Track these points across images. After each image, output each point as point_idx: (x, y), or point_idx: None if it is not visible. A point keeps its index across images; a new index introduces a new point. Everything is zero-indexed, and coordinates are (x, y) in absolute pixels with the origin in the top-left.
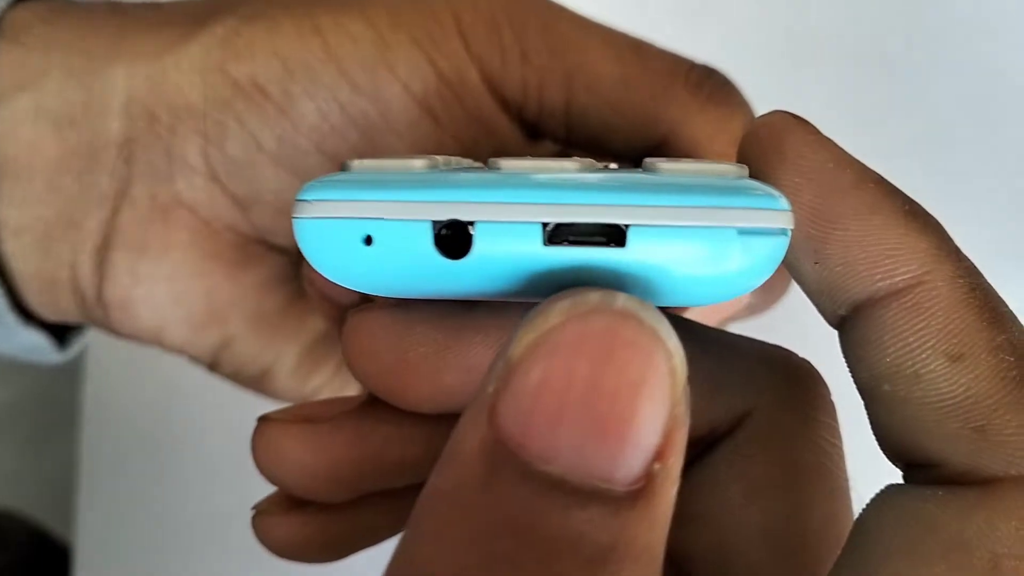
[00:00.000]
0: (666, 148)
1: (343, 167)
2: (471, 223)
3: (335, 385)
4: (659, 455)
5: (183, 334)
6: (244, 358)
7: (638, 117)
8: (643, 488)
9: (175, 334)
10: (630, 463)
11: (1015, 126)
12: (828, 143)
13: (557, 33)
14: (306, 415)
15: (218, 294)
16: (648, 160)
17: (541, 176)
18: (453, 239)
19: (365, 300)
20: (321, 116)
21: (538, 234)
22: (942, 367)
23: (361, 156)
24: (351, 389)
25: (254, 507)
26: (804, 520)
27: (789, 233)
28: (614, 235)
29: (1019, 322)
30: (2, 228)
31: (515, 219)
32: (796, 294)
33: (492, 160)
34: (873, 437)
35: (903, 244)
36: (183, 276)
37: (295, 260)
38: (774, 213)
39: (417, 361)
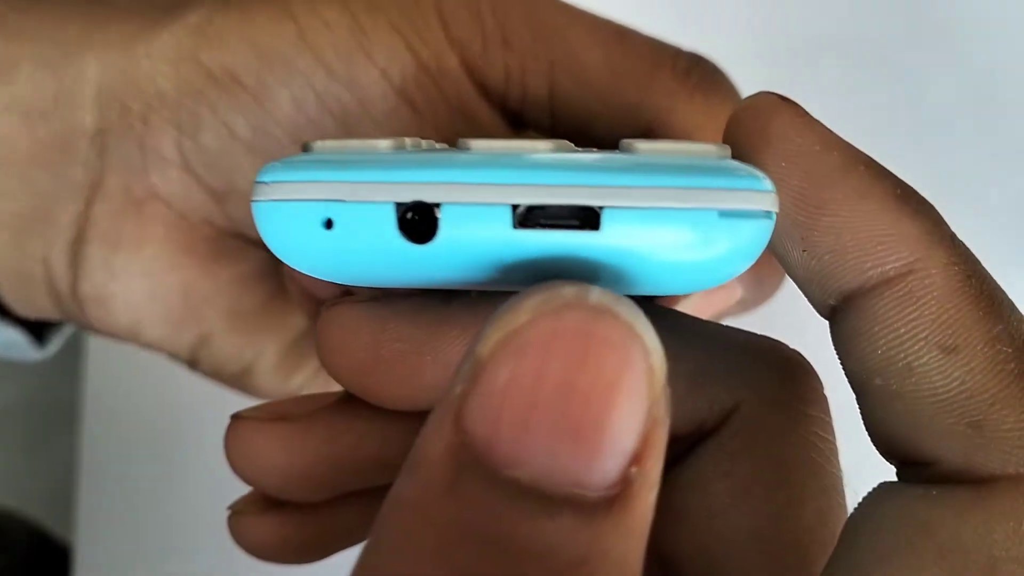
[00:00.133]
0: (653, 137)
1: (305, 148)
2: (437, 205)
3: (319, 383)
4: (636, 458)
5: (160, 330)
6: (224, 355)
7: (624, 105)
8: (619, 494)
9: (152, 330)
10: (605, 467)
11: (1015, 126)
12: (816, 125)
13: (540, 19)
14: (280, 413)
15: (195, 289)
16: (625, 141)
17: (511, 156)
18: (418, 222)
19: (346, 295)
20: (296, 105)
21: (507, 217)
22: (935, 359)
23: None
24: (335, 387)
25: (229, 507)
26: (795, 520)
27: (774, 216)
28: (588, 218)
29: (1018, 311)
30: None
31: (483, 201)
32: (789, 282)
33: (462, 140)
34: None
35: (894, 230)
36: (158, 271)
37: (274, 255)
38: (757, 194)
39: (392, 357)
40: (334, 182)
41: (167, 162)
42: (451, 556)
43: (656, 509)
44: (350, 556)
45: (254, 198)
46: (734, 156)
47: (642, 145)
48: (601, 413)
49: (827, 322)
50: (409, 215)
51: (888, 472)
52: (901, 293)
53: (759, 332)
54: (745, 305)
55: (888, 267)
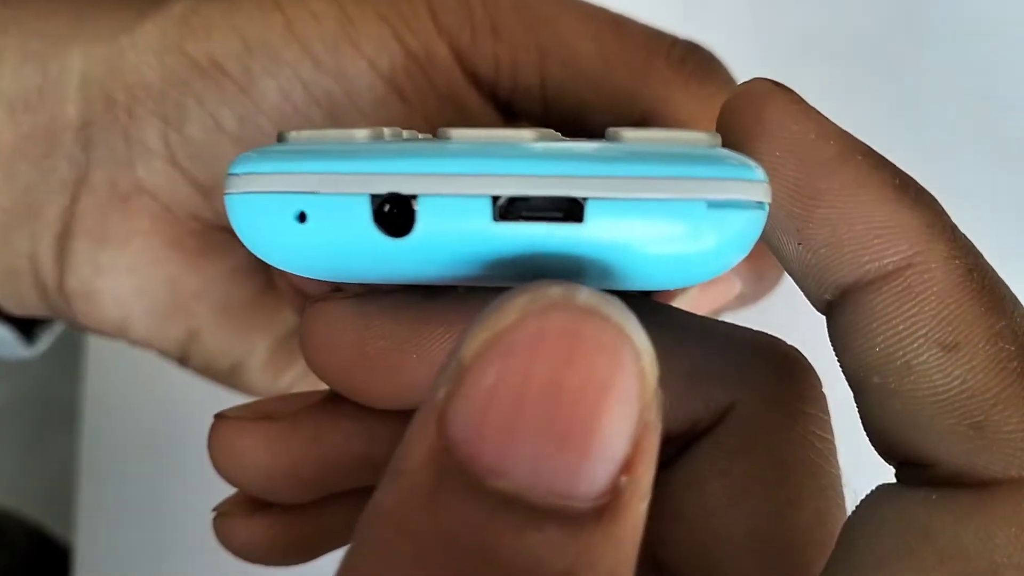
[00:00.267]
0: (647, 126)
1: (280, 138)
2: (414, 197)
3: (310, 380)
4: (627, 466)
5: (148, 326)
6: (213, 351)
7: (617, 94)
8: (608, 504)
9: (139, 326)
10: (594, 476)
11: (1015, 126)
12: (812, 112)
13: (530, 7)
14: (264, 412)
15: (182, 284)
16: (611, 129)
17: (491, 146)
18: (394, 215)
19: (335, 291)
20: (283, 95)
21: (487, 209)
22: (935, 357)
23: None
24: (325, 385)
25: (215, 508)
26: (792, 521)
27: (766, 207)
28: (571, 210)
29: (1021, 307)
30: None
31: (462, 192)
32: (788, 276)
33: (442, 130)
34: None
35: (893, 222)
36: (145, 266)
37: None
38: (748, 184)
39: (377, 355)
40: (307, 173)
41: (153, 155)
42: (431, 568)
43: (650, 509)
44: (340, 556)
45: (226, 190)
46: (726, 145)
47: (628, 133)
48: (590, 418)
49: (818, 311)
50: (385, 207)
51: (888, 472)
52: (900, 288)
53: (756, 328)
54: (744, 300)
55: (886, 261)
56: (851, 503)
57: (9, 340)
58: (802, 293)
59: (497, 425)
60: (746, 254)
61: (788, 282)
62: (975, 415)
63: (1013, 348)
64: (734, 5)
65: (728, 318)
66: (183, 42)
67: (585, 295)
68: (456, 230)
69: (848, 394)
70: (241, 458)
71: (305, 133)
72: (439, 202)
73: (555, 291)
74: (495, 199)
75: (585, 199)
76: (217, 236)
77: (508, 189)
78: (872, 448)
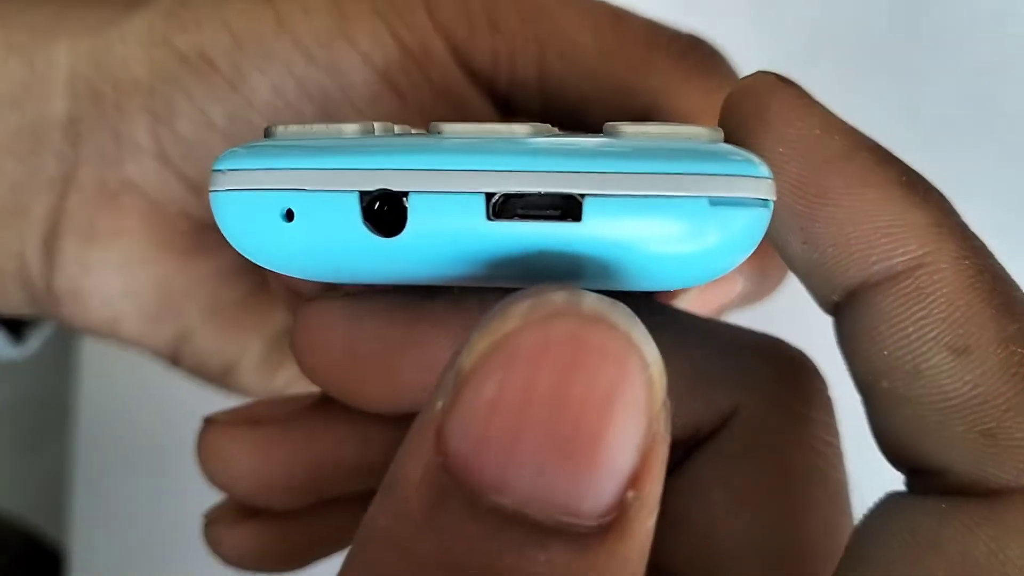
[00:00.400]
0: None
1: (267, 133)
2: (405, 194)
3: (305, 381)
4: (634, 481)
5: (137, 326)
6: (205, 352)
7: (617, 89)
8: (614, 521)
9: (129, 326)
10: (599, 492)
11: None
12: (816, 107)
13: (529, 1)
14: (254, 416)
15: (172, 284)
16: (609, 124)
17: (485, 141)
18: (385, 213)
19: (329, 291)
20: (275, 91)
21: (481, 206)
22: (945, 361)
23: None
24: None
25: (204, 515)
26: (797, 529)
27: (771, 205)
28: (568, 208)
29: None
30: None
31: (454, 189)
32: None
33: (434, 124)
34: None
35: (901, 221)
36: (135, 265)
37: None
38: (752, 181)
39: (369, 357)
40: (294, 169)
41: (142, 151)
42: None
43: None
44: (335, 561)
45: (211, 187)
46: (728, 140)
47: (628, 128)
48: (595, 431)
49: (825, 313)
50: (375, 205)
51: (897, 477)
52: (908, 289)
53: (760, 329)
54: (748, 299)
55: (895, 261)
56: (858, 510)
57: None
58: (807, 293)
59: (499, 438)
60: (750, 253)
61: (793, 281)
62: (986, 421)
63: None
64: (732, 3)
65: (731, 318)
66: (172, 36)
67: (590, 301)
68: (449, 229)
69: (856, 397)
70: (230, 464)
71: (293, 128)
72: (431, 199)
73: (559, 297)
74: (489, 196)
75: (583, 196)
76: (208, 234)
77: (503, 186)
78: (879, 452)
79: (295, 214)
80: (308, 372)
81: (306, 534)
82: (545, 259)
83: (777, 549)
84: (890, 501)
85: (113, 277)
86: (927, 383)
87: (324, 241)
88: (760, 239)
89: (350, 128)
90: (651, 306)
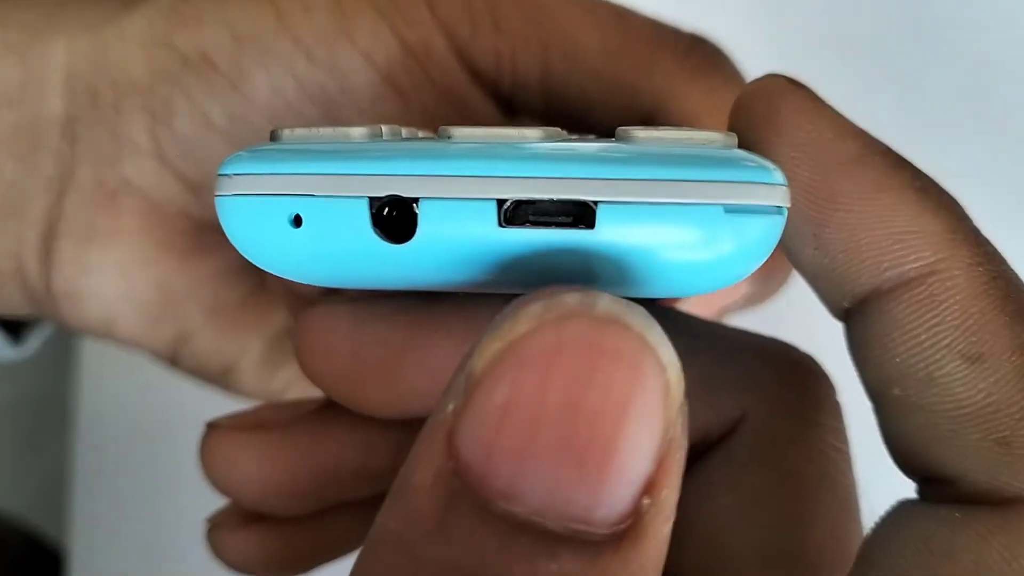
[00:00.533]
0: (653, 123)
1: (273, 136)
2: (415, 200)
3: (305, 382)
4: (650, 487)
5: (136, 327)
6: (204, 353)
7: (621, 89)
8: (629, 528)
9: (128, 327)
10: (614, 499)
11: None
12: (827, 111)
13: (532, 0)
14: (257, 421)
15: (172, 285)
16: (621, 128)
17: (497, 146)
18: (395, 219)
19: (331, 293)
20: (276, 91)
21: (492, 213)
22: (959, 369)
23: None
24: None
25: (207, 520)
26: (806, 536)
27: (785, 212)
28: (582, 215)
29: None
30: None
31: (466, 195)
32: (794, 276)
33: (443, 128)
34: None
35: (914, 227)
36: (133, 266)
37: None
38: (767, 188)
39: (374, 362)
40: (302, 175)
41: (141, 151)
42: None
43: None
44: (338, 566)
45: (216, 192)
46: (740, 145)
47: (640, 133)
48: (609, 437)
49: (836, 319)
50: (385, 211)
51: (906, 485)
52: (922, 296)
53: (767, 333)
54: (751, 301)
55: (907, 268)
56: (867, 516)
57: None
58: (815, 297)
59: (510, 445)
60: (763, 261)
61: (800, 284)
62: (1000, 430)
63: None
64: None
65: (737, 321)
66: (171, 35)
67: (605, 303)
68: (459, 235)
69: (864, 402)
70: (234, 469)
71: (299, 131)
72: (441, 206)
73: (572, 299)
74: (501, 203)
75: (597, 203)
76: (207, 235)
77: (515, 192)
78: (888, 458)
79: (303, 220)
80: (312, 377)
81: (310, 539)
82: (557, 266)
83: (785, 555)
84: (902, 509)
85: (111, 277)
86: (940, 391)
87: (332, 247)
88: (774, 246)
89: (358, 132)
90: (657, 311)
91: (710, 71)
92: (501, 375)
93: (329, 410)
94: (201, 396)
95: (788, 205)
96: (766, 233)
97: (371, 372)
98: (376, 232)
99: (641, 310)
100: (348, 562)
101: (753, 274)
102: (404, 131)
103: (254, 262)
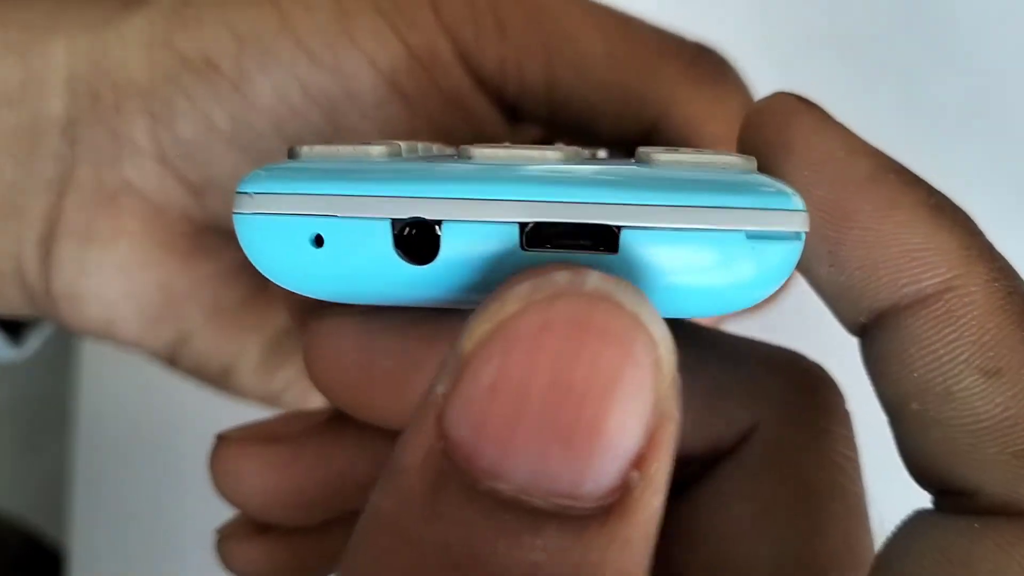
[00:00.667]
0: (658, 131)
1: (291, 154)
2: (438, 222)
3: (303, 382)
4: (639, 460)
5: (136, 328)
6: (204, 354)
7: (626, 97)
8: (616, 502)
9: (127, 328)
10: (600, 474)
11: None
12: (839, 129)
13: (536, 5)
14: (267, 433)
15: (172, 286)
16: (642, 150)
17: (519, 168)
18: (417, 241)
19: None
20: (278, 94)
21: (515, 236)
22: (977, 384)
23: (321, 139)
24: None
25: (217, 530)
26: (817, 546)
27: (804, 237)
28: (604, 238)
29: None
30: None
31: (489, 218)
32: (801, 284)
33: (463, 148)
34: (896, 450)
35: (930, 244)
36: (133, 267)
37: None
38: (788, 214)
39: (383, 374)
40: (324, 195)
41: (142, 153)
42: None
43: (671, 531)
44: None
45: (236, 210)
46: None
47: (662, 156)
48: (597, 415)
49: (851, 334)
50: (407, 232)
51: (913, 492)
52: (939, 312)
53: (776, 342)
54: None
55: (924, 284)
56: (878, 527)
57: None
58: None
59: (497, 424)
60: (780, 285)
61: (808, 294)
62: (1018, 443)
63: None
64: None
65: (744, 329)
66: (172, 36)
67: (595, 280)
68: (481, 258)
69: (874, 410)
70: (243, 481)
71: (318, 149)
72: (465, 228)
73: (561, 277)
74: (523, 226)
75: (620, 228)
76: (208, 237)
77: (538, 216)
78: (900, 469)
79: (325, 240)
80: (322, 388)
81: (318, 550)
82: None
83: (797, 564)
84: (919, 520)
85: (111, 279)
86: (958, 405)
87: (353, 267)
88: (792, 271)
89: (377, 150)
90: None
91: (715, 80)
92: (489, 355)
93: (338, 421)
94: (201, 397)
95: (807, 230)
96: (785, 258)
97: (380, 383)
98: (398, 253)
99: (633, 287)
100: None
101: None
102: (420, 147)
103: (273, 280)
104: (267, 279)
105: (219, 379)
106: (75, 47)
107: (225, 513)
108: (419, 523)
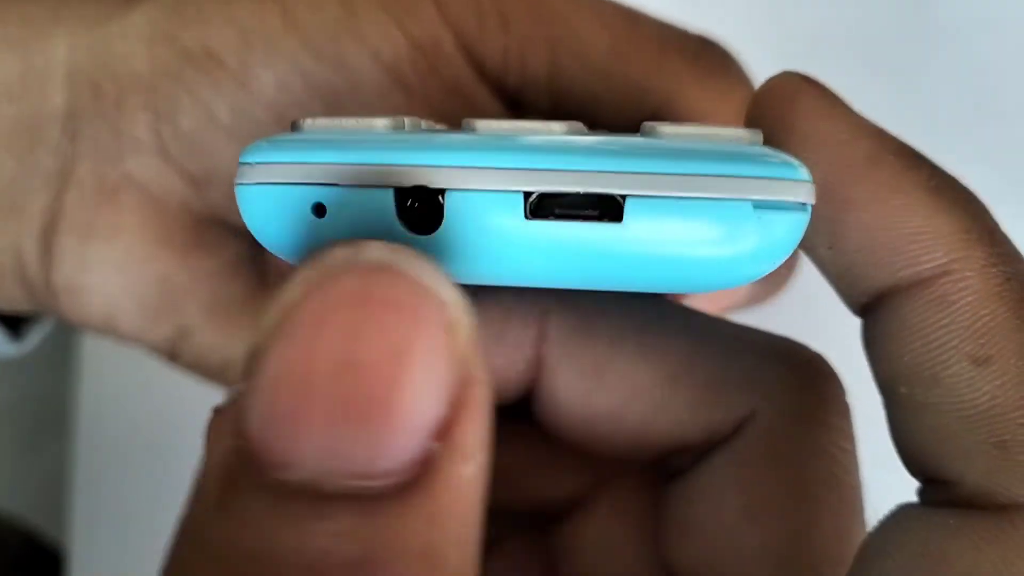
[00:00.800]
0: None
1: (294, 126)
2: (441, 191)
3: None
4: (442, 430)
5: (136, 323)
6: (204, 349)
7: (629, 89)
8: (417, 477)
9: (128, 322)
10: (395, 449)
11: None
12: (842, 109)
13: None
14: None
15: (173, 281)
16: (647, 123)
17: (523, 138)
18: (420, 210)
19: None
20: (282, 87)
21: (519, 205)
22: (965, 371)
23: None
24: None
25: None
26: (810, 538)
27: (810, 209)
28: (609, 208)
29: None
30: None
31: (492, 187)
32: (806, 273)
33: (466, 121)
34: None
35: (928, 227)
36: (134, 262)
37: (256, 243)
38: (794, 184)
39: None
40: (327, 164)
41: (143, 147)
42: None
43: (665, 519)
44: None
45: (237, 180)
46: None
47: (667, 128)
48: (387, 388)
49: (848, 319)
50: (410, 202)
51: (910, 486)
52: (933, 296)
53: (776, 331)
54: (754, 299)
55: (922, 267)
56: (871, 518)
57: None
58: (825, 293)
59: (283, 413)
60: (785, 258)
61: (808, 282)
62: (1001, 434)
63: None
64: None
65: (747, 319)
66: (175, 30)
67: (372, 251)
68: (485, 227)
69: (871, 402)
70: None
71: (321, 121)
72: (468, 197)
73: (339, 253)
74: (527, 195)
75: (625, 197)
76: (209, 231)
77: (542, 185)
78: (894, 459)
79: (327, 209)
80: None
81: None
82: (581, 260)
83: (789, 554)
84: (901, 513)
85: (112, 273)
86: (945, 391)
87: (355, 237)
88: (797, 243)
89: (381, 123)
90: (665, 307)
91: (718, 73)
92: (275, 345)
93: None
94: (202, 395)
95: (813, 202)
96: (791, 229)
97: None
98: (401, 223)
99: (412, 251)
100: None
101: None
102: (423, 123)
103: (271, 250)
104: (267, 278)
105: (220, 374)
106: (76, 41)
107: None
108: (212, 524)
